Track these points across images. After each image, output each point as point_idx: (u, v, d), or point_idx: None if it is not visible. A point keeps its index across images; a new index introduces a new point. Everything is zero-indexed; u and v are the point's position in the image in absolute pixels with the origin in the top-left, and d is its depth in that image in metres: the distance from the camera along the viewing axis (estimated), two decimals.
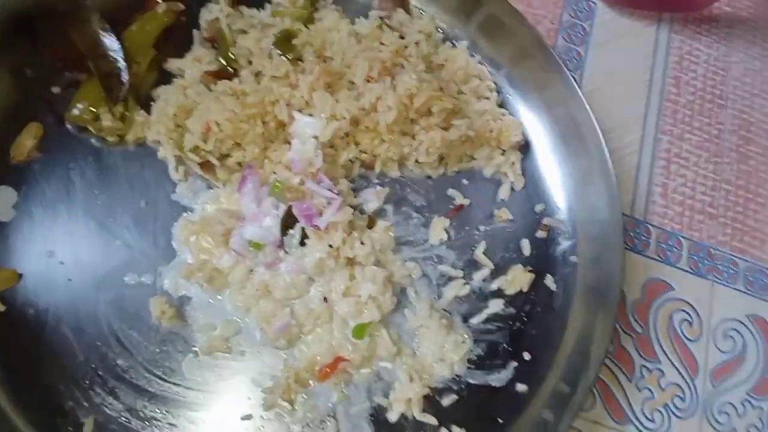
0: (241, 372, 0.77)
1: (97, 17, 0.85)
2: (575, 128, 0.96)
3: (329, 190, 0.83)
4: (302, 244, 0.81)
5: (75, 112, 0.81)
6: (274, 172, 0.85)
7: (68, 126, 0.83)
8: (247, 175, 0.82)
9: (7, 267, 0.74)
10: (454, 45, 1.01)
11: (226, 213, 0.81)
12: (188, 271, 0.78)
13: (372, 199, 0.90)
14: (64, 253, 0.77)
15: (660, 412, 0.90)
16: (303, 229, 0.81)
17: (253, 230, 0.80)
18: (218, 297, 0.79)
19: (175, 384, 0.74)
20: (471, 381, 0.82)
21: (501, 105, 0.99)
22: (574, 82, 0.97)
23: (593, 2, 1.18)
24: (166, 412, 0.73)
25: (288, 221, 0.81)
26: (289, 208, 0.81)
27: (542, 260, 0.91)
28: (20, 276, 0.74)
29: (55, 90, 0.84)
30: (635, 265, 0.97)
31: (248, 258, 0.80)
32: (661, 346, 0.93)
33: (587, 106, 0.95)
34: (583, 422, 0.86)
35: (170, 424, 0.73)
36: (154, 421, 0.72)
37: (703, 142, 1.11)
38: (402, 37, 0.96)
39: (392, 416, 0.78)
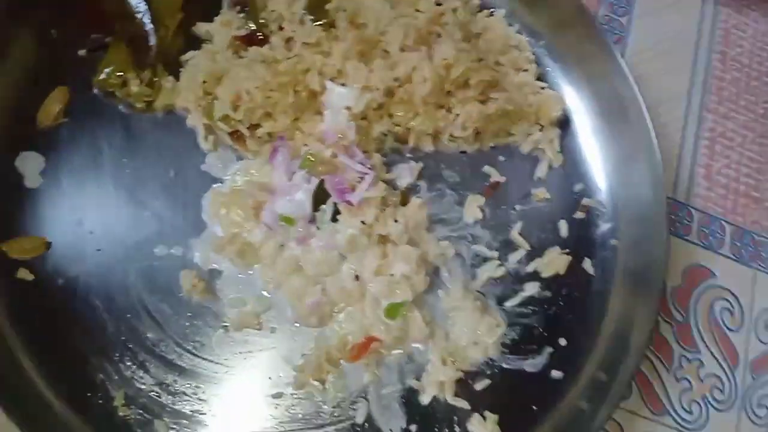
0: (271, 349, 0.75)
1: None
2: (618, 104, 0.92)
3: (362, 164, 0.80)
4: (334, 219, 0.78)
5: (102, 76, 0.79)
6: (306, 144, 0.82)
7: (95, 91, 0.80)
8: (278, 147, 0.79)
9: (35, 235, 0.72)
10: (491, 13, 0.97)
11: (257, 185, 0.79)
12: (219, 245, 0.76)
13: (405, 174, 0.87)
14: (93, 222, 0.75)
15: (698, 403, 0.87)
16: (335, 204, 0.78)
17: (285, 204, 0.77)
18: (249, 272, 0.77)
19: (205, 359, 0.73)
20: (505, 366, 0.80)
21: (540, 78, 0.95)
22: (618, 55, 0.93)
23: None
24: (196, 387, 0.72)
25: (320, 195, 0.78)
26: (321, 182, 0.78)
27: (580, 242, 0.87)
28: (49, 244, 0.72)
29: (82, 53, 0.81)
30: (676, 249, 0.93)
31: (279, 233, 0.77)
32: (701, 336, 0.90)
33: (632, 81, 0.91)
34: (619, 412, 0.84)
35: (200, 399, 0.71)
36: (184, 396, 0.71)
37: (748, 122, 1.07)
38: (438, 4, 0.91)
39: (424, 399, 0.76)
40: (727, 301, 0.93)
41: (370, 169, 0.79)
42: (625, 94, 0.91)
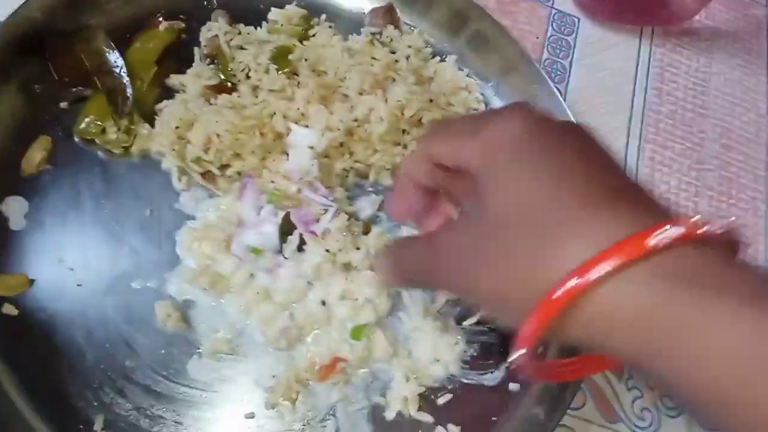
0: (243, 372, 0.79)
1: (102, 35, 0.89)
2: None
3: (324, 197, 0.87)
4: (300, 249, 0.84)
5: (82, 125, 0.85)
6: (272, 181, 0.88)
7: (76, 139, 0.86)
8: (246, 183, 0.86)
9: (19, 273, 0.77)
10: (443, 59, 1.06)
11: (227, 220, 0.85)
12: (192, 276, 0.81)
13: (367, 207, 0.94)
14: (73, 259, 0.80)
15: (649, 410, 0.93)
16: (301, 235, 0.84)
17: (253, 236, 0.83)
18: (221, 301, 0.82)
19: (180, 384, 0.77)
20: (465, 380, 0.85)
21: None
22: (559, 94, 1.02)
23: (576, 17, 1.23)
24: (173, 410, 0.76)
25: (286, 227, 0.84)
26: (287, 215, 0.84)
27: None
28: (32, 281, 0.77)
29: (63, 105, 0.87)
30: None
31: (249, 263, 0.83)
32: None
33: (571, 117, 1.00)
34: (576, 420, 0.89)
35: (176, 422, 0.75)
36: (161, 420, 0.75)
37: (685, 150, 1.16)
38: (393, 52, 1.00)
39: (389, 414, 0.81)
40: None
41: (332, 201, 0.86)
42: None
